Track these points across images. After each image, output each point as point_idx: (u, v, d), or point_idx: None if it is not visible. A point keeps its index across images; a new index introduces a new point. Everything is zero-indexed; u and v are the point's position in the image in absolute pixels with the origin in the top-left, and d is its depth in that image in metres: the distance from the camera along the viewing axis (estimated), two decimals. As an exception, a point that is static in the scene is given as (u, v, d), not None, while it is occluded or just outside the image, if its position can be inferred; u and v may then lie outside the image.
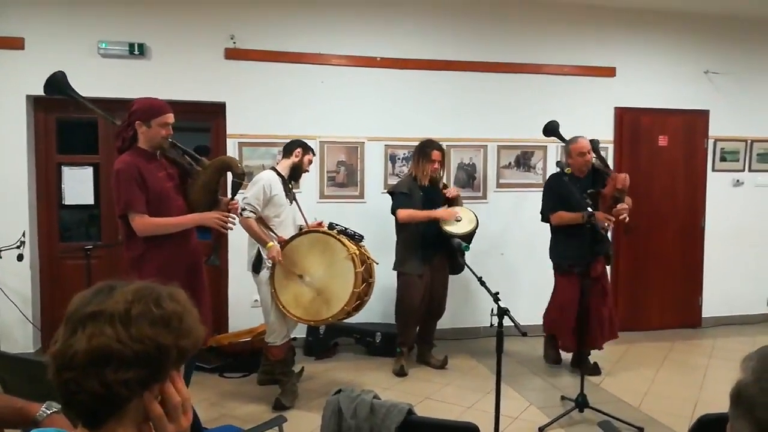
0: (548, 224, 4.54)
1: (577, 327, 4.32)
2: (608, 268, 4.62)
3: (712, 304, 6.00)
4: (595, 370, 4.51)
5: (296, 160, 4.00)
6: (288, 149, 4.05)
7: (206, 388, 4.17)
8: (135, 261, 2.96)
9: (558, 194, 4.35)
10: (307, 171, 4.13)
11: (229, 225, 3.10)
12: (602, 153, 4.68)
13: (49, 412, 1.38)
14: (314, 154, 4.12)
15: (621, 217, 4.21)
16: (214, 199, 3.17)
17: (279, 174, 3.94)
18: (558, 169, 4.29)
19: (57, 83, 3.40)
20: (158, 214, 2.95)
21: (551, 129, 4.64)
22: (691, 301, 5.98)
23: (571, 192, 4.00)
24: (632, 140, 5.75)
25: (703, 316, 5.99)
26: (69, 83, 3.45)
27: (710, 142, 5.92)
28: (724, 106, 5.90)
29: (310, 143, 4.95)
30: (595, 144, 4.44)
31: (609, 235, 3.89)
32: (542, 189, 4.63)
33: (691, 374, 4.63)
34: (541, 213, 4.56)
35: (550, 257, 4.58)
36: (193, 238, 3.17)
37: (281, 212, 3.87)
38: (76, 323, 0.91)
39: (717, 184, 5.96)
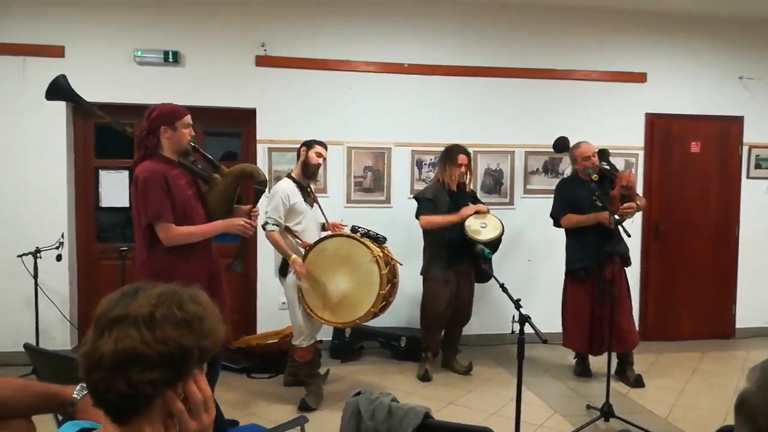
0: (562, 229, 4.57)
1: (591, 332, 4.30)
2: (629, 273, 4.55)
3: (746, 315, 5.85)
4: (639, 382, 4.42)
5: (303, 158, 3.96)
6: (297, 154, 4.06)
7: (234, 388, 4.26)
8: (158, 272, 2.78)
9: (566, 198, 4.47)
10: (320, 164, 4.01)
11: (251, 231, 3.07)
12: (611, 160, 4.72)
13: (84, 392, 1.39)
14: (323, 146, 3.99)
15: (626, 217, 4.16)
16: (230, 207, 3.12)
17: (295, 181, 3.95)
18: (568, 174, 4.47)
19: (59, 88, 3.28)
20: (183, 223, 2.88)
21: (561, 145, 4.62)
22: (725, 311, 5.84)
23: (578, 195, 4.30)
24: (663, 147, 5.66)
25: (736, 326, 5.85)
26: (72, 88, 3.34)
27: (745, 148, 5.79)
28: (760, 112, 5.76)
29: (337, 149, 5.08)
30: (604, 154, 4.58)
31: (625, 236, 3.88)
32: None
33: (721, 386, 4.52)
34: (551, 217, 4.59)
35: (565, 263, 4.56)
36: (212, 245, 3.11)
37: (302, 219, 3.91)
38: (103, 326, 0.96)
39: (752, 192, 5.82)
